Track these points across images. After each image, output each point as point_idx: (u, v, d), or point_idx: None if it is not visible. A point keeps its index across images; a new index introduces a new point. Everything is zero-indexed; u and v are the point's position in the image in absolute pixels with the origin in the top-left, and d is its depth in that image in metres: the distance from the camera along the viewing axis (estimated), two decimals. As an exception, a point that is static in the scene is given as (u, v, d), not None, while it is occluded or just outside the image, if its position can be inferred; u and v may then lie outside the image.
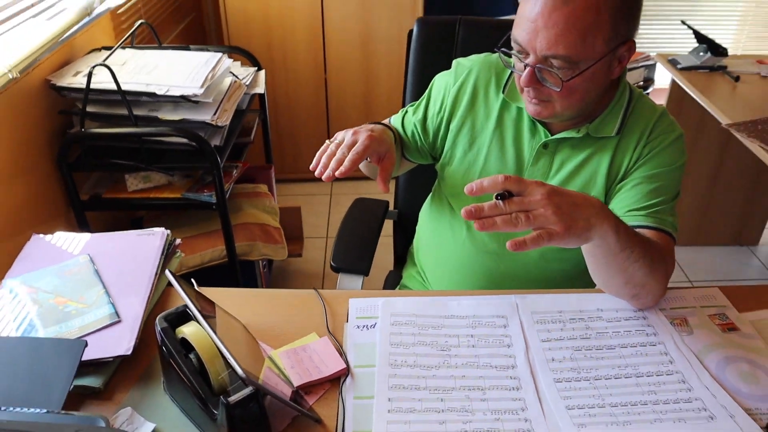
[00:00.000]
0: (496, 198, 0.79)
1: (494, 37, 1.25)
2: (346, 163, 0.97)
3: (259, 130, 2.05)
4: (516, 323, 0.96)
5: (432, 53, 1.44)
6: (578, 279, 1.12)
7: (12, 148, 1.35)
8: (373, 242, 1.39)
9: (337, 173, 0.97)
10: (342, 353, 0.91)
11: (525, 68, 0.96)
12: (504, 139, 1.12)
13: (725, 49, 2.13)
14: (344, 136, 1.03)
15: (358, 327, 0.96)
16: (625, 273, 0.92)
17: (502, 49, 1.01)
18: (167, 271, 0.87)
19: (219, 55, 1.59)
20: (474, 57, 1.18)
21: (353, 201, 1.55)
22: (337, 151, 0.99)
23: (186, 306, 0.86)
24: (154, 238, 1.10)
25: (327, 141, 1.03)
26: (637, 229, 0.97)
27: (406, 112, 1.24)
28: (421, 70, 1.45)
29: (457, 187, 1.17)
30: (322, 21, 2.59)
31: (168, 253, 1.08)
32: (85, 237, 1.09)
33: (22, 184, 1.38)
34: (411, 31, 1.46)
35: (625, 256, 0.89)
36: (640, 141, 1.05)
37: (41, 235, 1.10)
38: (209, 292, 1.01)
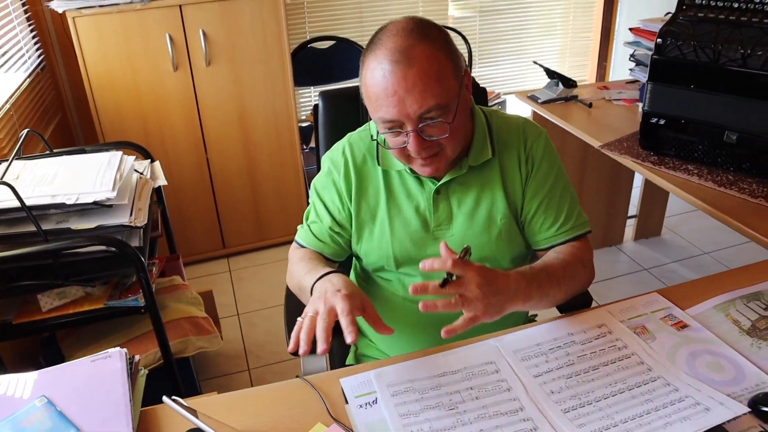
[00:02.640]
0: (441, 284, 0.93)
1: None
2: (348, 328, 0.92)
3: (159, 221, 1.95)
4: (505, 366, 1.01)
5: (339, 118, 1.48)
6: None
7: None
8: (324, 317, 1.38)
9: (349, 342, 0.92)
10: (357, 437, 0.89)
11: (407, 136, 1.03)
12: (399, 203, 1.19)
13: (574, 81, 2.41)
14: (314, 308, 0.98)
15: (361, 406, 0.94)
16: (553, 302, 1.10)
17: (379, 136, 1.09)
18: (165, 399, 0.81)
19: (119, 153, 1.52)
20: (338, 146, 1.24)
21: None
22: (318, 321, 0.94)
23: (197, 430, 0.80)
24: (113, 360, 1.01)
25: (299, 319, 0.98)
26: (562, 245, 1.17)
27: (309, 227, 1.25)
28: (332, 134, 1.48)
29: (378, 262, 1.22)
30: (196, 102, 2.55)
31: (132, 372, 1.00)
32: (32, 376, 0.97)
33: None
34: (316, 106, 1.49)
35: (545, 301, 1.07)
36: (520, 156, 1.17)
37: (-24, 387, 0.96)
38: (191, 403, 0.95)
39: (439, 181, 1.16)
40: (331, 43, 3.18)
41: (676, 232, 2.98)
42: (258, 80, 2.61)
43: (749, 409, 0.88)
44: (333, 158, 1.23)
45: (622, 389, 0.94)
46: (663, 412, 0.88)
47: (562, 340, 1.05)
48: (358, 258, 1.28)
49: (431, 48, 1.00)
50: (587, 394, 0.94)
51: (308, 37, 3.19)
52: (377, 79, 1.00)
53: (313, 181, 1.27)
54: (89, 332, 1.63)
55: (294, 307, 1.40)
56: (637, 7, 3.51)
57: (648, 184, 2.85)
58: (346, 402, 0.96)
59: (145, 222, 1.44)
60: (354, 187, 1.20)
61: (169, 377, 1.57)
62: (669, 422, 0.86)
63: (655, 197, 2.89)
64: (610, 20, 3.65)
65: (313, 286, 1.07)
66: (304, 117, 3.31)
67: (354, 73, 3.26)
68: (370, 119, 1.15)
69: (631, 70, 2.38)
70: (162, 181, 1.73)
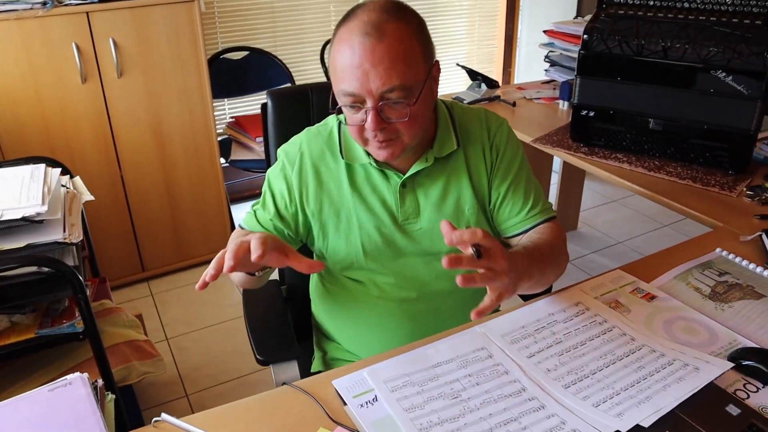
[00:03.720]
0: (476, 255, 0.88)
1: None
2: (258, 249, 0.86)
3: (82, 242, 1.79)
4: (497, 350, 1.00)
5: (289, 118, 1.42)
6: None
7: None
8: (288, 323, 1.32)
9: (253, 258, 0.86)
10: (364, 436, 0.84)
11: (366, 114, 1.00)
12: (364, 197, 1.15)
13: (496, 82, 2.49)
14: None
15: (362, 405, 0.90)
16: (546, 282, 1.09)
17: (337, 108, 1.04)
18: (164, 415, 0.73)
19: (42, 166, 1.38)
20: (295, 140, 1.20)
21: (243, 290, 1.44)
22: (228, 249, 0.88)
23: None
24: (75, 386, 0.90)
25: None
26: (533, 228, 1.16)
27: (255, 212, 1.20)
28: (283, 134, 1.41)
29: (346, 259, 1.18)
30: (108, 116, 2.38)
31: (99, 398, 0.89)
32: (-20, 415, 0.85)
33: None
34: (265, 104, 1.43)
35: (543, 280, 1.07)
36: (484, 145, 1.17)
37: None
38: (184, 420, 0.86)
39: (404, 175, 1.14)
40: (245, 53, 3.10)
41: (591, 225, 3.15)
42: (174, 92, 2.48)
43: (733, 364, 0.92)
44: (288, 151, 1.18)
45: (614, 360, 0.96)
46: (658, 376, 0.91)
47: (545, 321, 1.07)
48: (323, 258, 1.23)
49: (405, 28, 0.98)
50: (582, 368, 0.95)
51: (221, 48, 3.09)
52: (345, 50, 0.98)
53: (268, 171, 1.22)
54: (12, 370, 1.45)
55: (255, 312, 1.34)
56: (537, 16, 3.70)
57: (564, 182, 2.99)
58: (344, 403, 0.91)
59: (81, 238, 1.31)
60: (311, 183, 1.15)
61: (114, 408, 1.42)
62: (667, 384, 0.89)
63: (570, 194, 3.03)
64: (512, 28, 3.83)
65: None
66: (220, 130, 3.18)
67: (269, 84, 3.22)
68: (330, 113, 1.10)
69: (546, 70, 2.50)
70: (88, 196, 1.59)
